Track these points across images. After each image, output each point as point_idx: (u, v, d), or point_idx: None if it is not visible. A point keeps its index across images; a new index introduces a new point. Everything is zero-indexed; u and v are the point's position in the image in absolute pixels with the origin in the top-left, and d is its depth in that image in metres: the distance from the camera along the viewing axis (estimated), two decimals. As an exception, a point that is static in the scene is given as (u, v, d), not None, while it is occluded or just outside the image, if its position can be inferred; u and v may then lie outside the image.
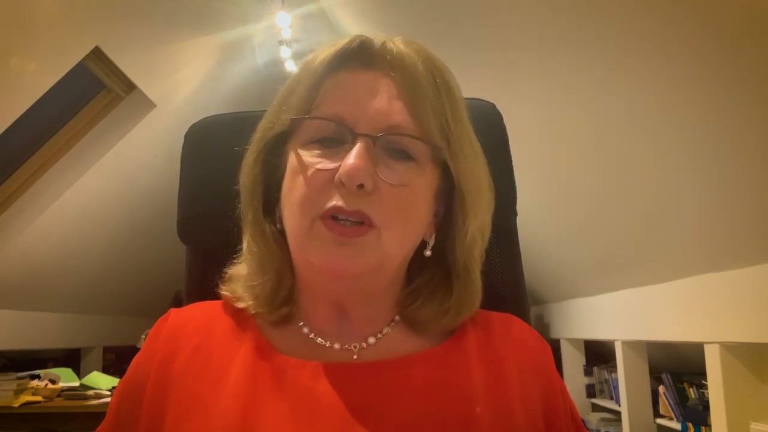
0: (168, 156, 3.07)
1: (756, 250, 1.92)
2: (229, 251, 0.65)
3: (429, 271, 0.63)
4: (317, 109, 0.58)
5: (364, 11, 3.22)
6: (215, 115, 0.81)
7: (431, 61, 0.60)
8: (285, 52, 3.63)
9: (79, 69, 2.74)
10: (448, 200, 0.62)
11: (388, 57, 0.59)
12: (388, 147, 0.57)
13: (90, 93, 3.16)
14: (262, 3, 3.27)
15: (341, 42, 0.60)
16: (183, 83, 3.40)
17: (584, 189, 2.65)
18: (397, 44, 0.60)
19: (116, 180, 3.42)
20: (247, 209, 0.63)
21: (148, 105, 3.22)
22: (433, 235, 0.63)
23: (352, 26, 3.38)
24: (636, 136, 2.08)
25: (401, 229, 0.57)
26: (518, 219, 0.78)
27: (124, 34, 2.78)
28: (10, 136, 2.65)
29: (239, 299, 0.62)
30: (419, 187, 0.58)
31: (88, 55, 2.70)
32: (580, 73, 2.08)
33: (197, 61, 3.41)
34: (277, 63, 3.74)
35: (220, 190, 0.64)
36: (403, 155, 0.57)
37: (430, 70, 0.60)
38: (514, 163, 0.77)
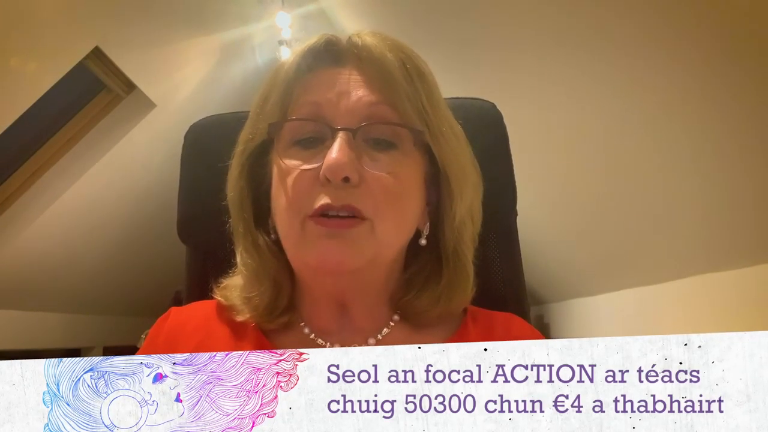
0: (168, 156, 3.06)
1: (757, 250, 1.92)
2: (229, 251, 0.65)
3: (422, 259, 0.63)
4: (293, 112, 0.58)
5: (364, 11, 3.22)
6: (215, 115, 0.81)
7: (400, 50, 0.60)
8: (285, 53, 3.62)
9: (79, 69, 2.74)
10: (438, 187, 0.62)
11: (355, 51, 0.59)
12: (368, 138, 0.57)
13: (90, 93, 3.16)
14: (262, 3, 3.27)
15: (309, 43, 0.61)
16: (183, 83, 3.40)
17: (585, 189, 2.65)
18: (363, 37, 0.60)
19: (116, 180, 3.41)
20: (238, 222, 0.63)
21: (148, 105, 3.21)
22: (428, 224, 0.62)
23: (352, 26, 3.38)
24: (637, 137, 2.08)
25: (394, 219, 0.57)
26: (518, 219, 0.78)
27: (124, 34, 2.78)
28: (10, 136, 2.64)
29: (237, 312, 0.62)
30: (406, 174, 0.58)
31: (88, 55, 2.70)
32: (582, 74, 2.08)
33: (197, 61, 3.41)
34: (277, 63, 3.74)
35: (220, 190, 0.64)
36: (386, 144, 0.57)
37: (400, 58, 0.59)
38: (514, 163, 0.77)
